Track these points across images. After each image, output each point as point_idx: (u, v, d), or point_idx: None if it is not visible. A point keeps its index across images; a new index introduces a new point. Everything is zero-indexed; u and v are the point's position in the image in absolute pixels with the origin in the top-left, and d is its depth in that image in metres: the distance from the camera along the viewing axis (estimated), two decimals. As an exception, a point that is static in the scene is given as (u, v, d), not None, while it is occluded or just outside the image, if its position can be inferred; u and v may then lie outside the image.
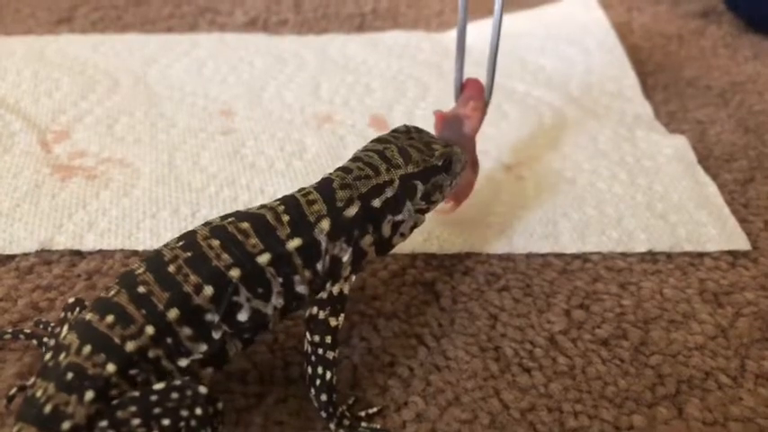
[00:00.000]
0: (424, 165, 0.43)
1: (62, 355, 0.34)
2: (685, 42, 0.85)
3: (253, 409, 0.41)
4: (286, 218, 0.39)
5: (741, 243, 0.55)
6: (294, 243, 0.38)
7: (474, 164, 0.51)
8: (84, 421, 0.33)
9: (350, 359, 0.44)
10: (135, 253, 0.52)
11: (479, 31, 0.72)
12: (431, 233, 0.54)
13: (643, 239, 0.54)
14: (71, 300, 0.41)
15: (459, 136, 0.50)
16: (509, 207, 0.57)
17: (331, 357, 0.39)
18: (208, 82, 0.72)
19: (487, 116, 0.53)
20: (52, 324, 0.43)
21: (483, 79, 0.53)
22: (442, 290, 0.50)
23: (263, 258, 0.37)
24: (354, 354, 0.45)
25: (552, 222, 0.55)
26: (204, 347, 0.36)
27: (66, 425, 0.33)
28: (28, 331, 0.43)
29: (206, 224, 0.39)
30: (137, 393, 0.34)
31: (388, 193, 0.41)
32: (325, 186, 0.41)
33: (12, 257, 0.51)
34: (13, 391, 0.40)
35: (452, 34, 0.71)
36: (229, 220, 0.39)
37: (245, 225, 0.38)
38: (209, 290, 0.36)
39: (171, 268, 0.36)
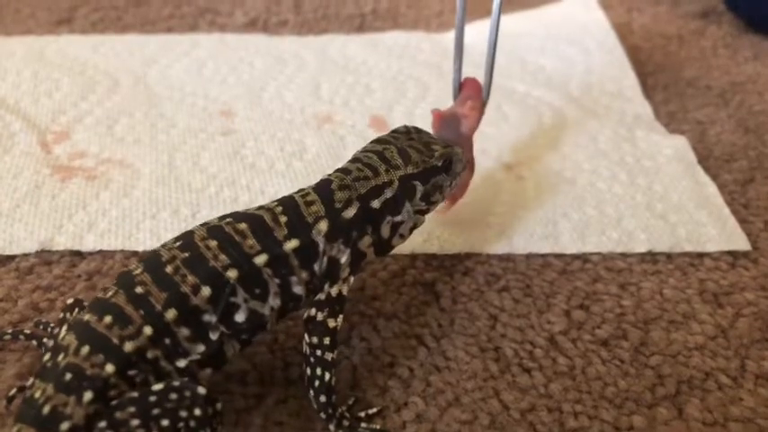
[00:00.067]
0: (423, 165, 0.42)
1: (61, 356, 0.34)
2: (685, 43, 0.85)
3: (252, 410, 0.41)
4: (284, 219, 0.39)
5: (741, 243, 0.54)
6: (291, 244, 0.38)
7: (470, 163, 0.51)
8: (83, 422, 0.33)
9: (350, 360, 0.44)
10: (135, 254, 0.52)
11: (478, 32, 0.72)
12: (431, 233, 0.54)
13: (643, 240, 0.54)
14: (70, 300, 0.41)
15: (457, 135, 0.50)
16: (509, 207, 0.57)
17: (330, 359, 0.39)
18: (208, 82, 0.72)
19: (487, 116, 0.53)
20: (52, 325, 0.43)
21: (481, 79, 0.53)
22: (442, 290, 0.50)
23: (261, 259, 0.37)
24: (354, 354, 0.45)
25: (552, 222, 0.55)
26: (202, 348, 0.36)
27: (64, 425, 0.33)
28: (28, 332, 0.43)
29: (204, 225, 0.39)
30: (135, 394, 0.34)
31: (388, 193, 0.41)
32: (323, 187, 0.41)
33: (12, 258, 0.51)
34: (13, 391, 0.40)
35: (452, 35, 0.71)
36: (227, 220, 0.39)
37: (243, 226, 0.38)
38: (206, 290, 0.36)
39: (168, 269, 0.36)
